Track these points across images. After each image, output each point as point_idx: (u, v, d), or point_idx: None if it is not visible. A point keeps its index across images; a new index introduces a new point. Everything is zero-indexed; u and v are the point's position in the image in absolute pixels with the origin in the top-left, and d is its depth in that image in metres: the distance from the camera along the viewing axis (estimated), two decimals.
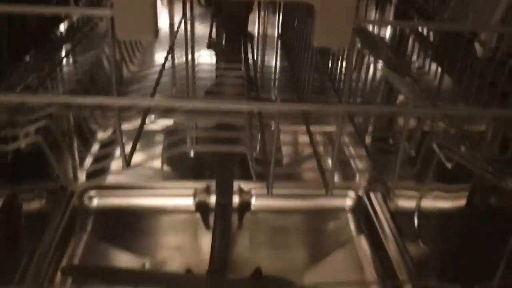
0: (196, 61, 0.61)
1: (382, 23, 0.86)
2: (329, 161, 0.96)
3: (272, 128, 0.90)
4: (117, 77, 0.65)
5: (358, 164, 0.95)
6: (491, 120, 0.53)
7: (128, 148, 0.43)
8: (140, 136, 0.42)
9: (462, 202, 0.64)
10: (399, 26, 0.79)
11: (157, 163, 0.95)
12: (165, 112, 0.51)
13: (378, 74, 0.73)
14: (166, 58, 0.56)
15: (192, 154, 0.91)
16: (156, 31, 0.28)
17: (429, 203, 0.75)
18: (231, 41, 0.70)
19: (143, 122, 0.44)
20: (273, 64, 0.75)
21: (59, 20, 0.71)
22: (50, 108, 0.40)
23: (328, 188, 0.41)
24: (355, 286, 0.69)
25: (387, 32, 0.81)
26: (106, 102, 0.32)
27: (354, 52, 0.57)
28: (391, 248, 0.83)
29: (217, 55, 0.65)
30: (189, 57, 0.61)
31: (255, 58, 0.69)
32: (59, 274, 0.73)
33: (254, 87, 0.59)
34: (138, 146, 1.03)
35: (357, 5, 0.29)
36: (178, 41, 0.62)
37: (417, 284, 0.72)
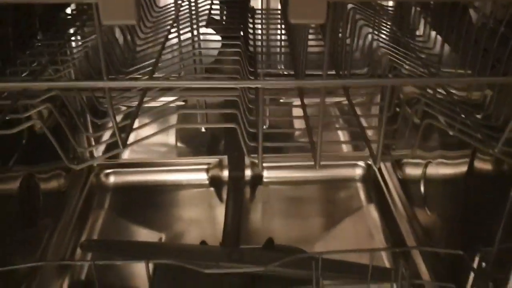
0: (197, 38, 0.62)
1: None
2: (339, 133, 0.98)
3: (282, 100, 0.92)
4: (127, 57, 0.67)
5: (368, 134, 0.96)
6: (485, 87, 0.54)
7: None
8: (137, 116, 0.44)
9: (464, 169, 0.64)
10: None
11: (171, 140, 0.97)
12: (164, 91, 0.53)
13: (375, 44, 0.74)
14: (166, 37, 0.58)
15: (203, 129, 0.93)
16: (138, 15, 0.29)
17: (434, 170, 0.75)
18: (231, 16, 0.70)
19: (140, 103, 0.46)
20: (278, 38, 0.76)
21: (66, 4, 0.73)
22: (51, 91, 0.42)
23: (317, 161, 0.42)
24: (363, 252, 0.70)
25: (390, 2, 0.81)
26: (97, 85, 0.34)
27: (344, 25, 0.57)
28: (400, 216, 0.84)
29: (216, 31, 0.66)
30: (194, 33, 0.62)
31: (257, 32, 0.70)
32: (79, 249, 0.77)
33: (252, 62, 0.60)
34: (151, 124, 1.05)
35: None
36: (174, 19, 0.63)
37: (425, 251, 0.73)
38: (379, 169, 0.94)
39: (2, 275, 0.58)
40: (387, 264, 0.77)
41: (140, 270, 0.73)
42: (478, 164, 0.61)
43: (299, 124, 0.99)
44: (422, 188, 0.78)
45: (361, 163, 0.97)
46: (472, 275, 0.60)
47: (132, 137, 0.95)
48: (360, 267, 0.69)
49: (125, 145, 0.39)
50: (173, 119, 0.99)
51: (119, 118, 0.80)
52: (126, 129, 0.44)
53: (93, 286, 0.62)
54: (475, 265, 0.59)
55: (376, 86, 0.78)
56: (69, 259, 0.75)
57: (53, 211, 0.78)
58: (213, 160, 0.95)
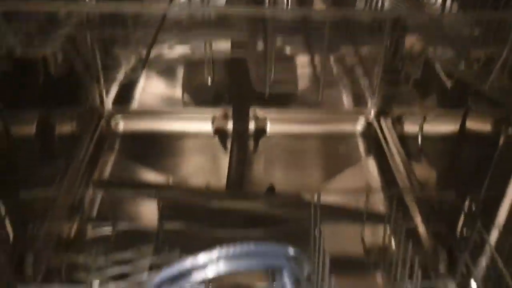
0: None
1: None
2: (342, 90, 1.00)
3: None
4: None
5: (370, 90, 0.99)
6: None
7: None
8: (155, 42, 0.47)
9: (457, 126, 0.68)
10: None
11: (178, 91, 1.00)
12: (181, 35, 0.55)
13: None
14: None
15: (209, 82, 0.96)
16: None
17: (431, 127, 0.79)
18: None
19: (158, 29, 0.49)
20: None
21: None
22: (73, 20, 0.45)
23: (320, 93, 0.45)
24: (358, 192, 0.74)
25: None
26: (119, 10, 0.36)
27: None
28: (398, 169, 0.87)
29: None
30: None
31: None
32: (91, 186, 0.80)
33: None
34: (159, 76, 1.07)
35: None
36: None
37: (419, 194, 0.76)
38: (379, 125, 0.97)
39: (17, 209, 0.62)
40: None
41: (147, 208, 0.77)
42: (470, 123, 0.64)
43: (303, 81, 1.02)
44: (419, 142, 0.82)
45: (362, 119, 1.00)
46: (462, 217, 0.64)
47: (140, 88, 0.98)
48: (356, 211, 0.73)
49: (143, 67, 0.42)
50: (180, 71, 1.02)
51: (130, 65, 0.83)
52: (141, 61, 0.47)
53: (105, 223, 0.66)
54: (465, 208, 0.63)
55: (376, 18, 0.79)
56: (81, 198, 0.79)
57: (65, 153, 0.82)
58: (218, 111, 0.98)
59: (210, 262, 0.36)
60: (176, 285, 0.37)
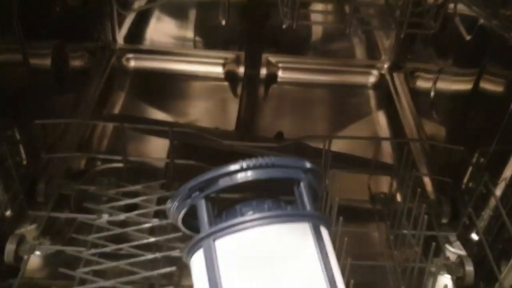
0: None
1: None
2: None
3: None
4: None
5: (385, 43, 0.98)
6: None
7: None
8: None
9: (471, 85, 0.67)
10: None
11: (190, 33, 0.99)
12: None
13: None
14: None
15: (223, 23, 0.94)
16: None
17: (444, 84, 0.78)
18: None
19: None
20: None
21: None
22: None
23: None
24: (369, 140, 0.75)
25: None
26: None
27: None
28: (408, 124, 0.87)
29: None
30: None
31: None
32: (101, 120, 0.81)
33: None
34: (171, 16, 1.04)
35: None
36: None
37: (426, 145, 0.77)
38: (392, 79, 0.96)
39: (31, 137, 0.62)
40: None
41: (157, 145, 0.77)
42: (484, 83, 0.64)
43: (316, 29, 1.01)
44: (431, 98, 0.81)
45: (375, 71, 0.99)
46: (469, 170, 0.65)
47: (152, 28, 0.95)
48: (364, 160, 0.74)
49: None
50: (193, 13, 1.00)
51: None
52: None
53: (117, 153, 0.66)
54: (473, 161, 0.64)
55: None
56: (91, 132, 0.80)
57: (77, 87, 0.82)
58: (230, 55, 0.97)
59: (237, 171, 0.37)
60: (205, 192, 0.39)
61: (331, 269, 0.36)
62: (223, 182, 0.38)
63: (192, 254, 0.39)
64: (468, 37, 0.68)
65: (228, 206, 0.41)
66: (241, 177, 0.38)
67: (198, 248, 0.37)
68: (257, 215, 0.37)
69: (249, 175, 0.37)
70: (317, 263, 0.36)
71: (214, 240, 0.37)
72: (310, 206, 0.40)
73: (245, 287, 0.35)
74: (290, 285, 0.35)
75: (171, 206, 0.41)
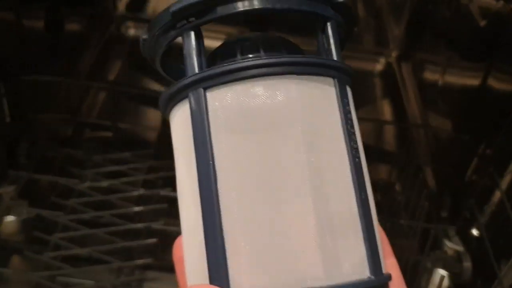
0: None
1: None
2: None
3: None
4: None
5: (394, 31, 0.94)
6: None
7: None
8: None
9: (479, 80, 0.65)
10: None
11: None
12: None
13: None
14: None
15: None
16: None
17: (452, 77, 0.75)
18: None
19: None
20: None
21: None
22: None
23: None
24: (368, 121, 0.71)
25: None
26: None
27: None
28: (413, 114, 0.84)
29: None
30: None
31: None
32: (94, 87, 0.78)
33: None
34: None
35: None
36: None
37: (429, 133, 0.74)
38: (399, 68, 0.93)
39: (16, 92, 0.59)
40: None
41: (149, 116, 0.74)
42: (492, 77, 0.61)
43: None
44: (438, 89, 0.78)
45: (382, 59, 0.96)
46: (473, 163, 0.62)
47: None
48: (365, 146, 0.71)
49: None
50: None
51: None
52: None
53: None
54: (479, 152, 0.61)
55: None
56: (81, 99, 0.77)
57: (70, 53, 0.78)
58: (233, 30, 0.94)
59: None
60: (196, 21, 0.26)
61: (357, 147, 0.27)
62: (222, 10, 0.26)
63: (173, 105, 0.28)
64: (482, 23, 0.64)
65: (225, 47, 0.29)
66: (245, 4, 0.25)
67: (182, 99, 0.27)
68: (266, 60, 0.25)
69: (256, 2, 0.26)
70: (341, 136, 0.26)
71: (205, 90, 0.25)
72: (338, 56, 0.28)
73: (242, 155, 0.25)
74: (303, 159, 0.25)
75: (148, 37, 0.29)
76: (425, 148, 0.73)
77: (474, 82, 0.66)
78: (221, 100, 0.25)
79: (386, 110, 0.89)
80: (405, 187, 0.60)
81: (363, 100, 0.90)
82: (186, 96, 0.26)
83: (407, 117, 0.83)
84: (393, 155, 0.73)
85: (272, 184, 0.24)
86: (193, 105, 0.26)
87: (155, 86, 0.83)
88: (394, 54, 0.95)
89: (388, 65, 0.95)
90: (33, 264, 0.53)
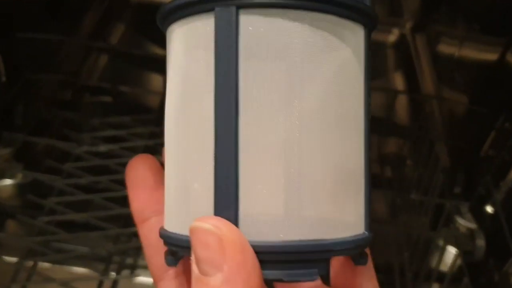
0: None
1: None
2: None
3: None
4: None
5: (409, 0, 0.90)
6: None
7: None
8: None
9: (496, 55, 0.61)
10: None
11: None
12: None
13: None
14: None
15: None
16: None
17: (469, 51, 0.72)
18: None
19: None
20: None
21: None
22: None
23: None
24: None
25: None
26: None
27: None
28: (427, 87, 0.81)
29: None
30: None
31: None
32: (94, 51, 0.75)
33: None
34: None
35: None
36: None
37: (443, 99, 0.71)
38: (414, 40, 0.89)
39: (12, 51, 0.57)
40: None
41: (151, 82, 0.71)
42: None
43: None
44: (454, 63, 0.75)
45: (396, 30, 0.92)
46: (490, 137, 0.59)
47: None
48: (376, 118, 0.68)
49: None
50: None
51: None
52: None
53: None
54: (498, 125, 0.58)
55: None
56: (82, 63, 0.74)
57: (71, 15, 0.75)
58: None
59: None
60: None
61: (370, 104, 0.26)
62: None
63: (185, 17, 0.23)
64: None
65: None
66: None
67: (200, 11, 0.22)
68: None
69: None
70: (362, 90, 0.25)
71: (238, 9, 0.22)
72: (370, 4, 0.27)
73: (270, 86, 0.22)
74: (332, 105, 0.23)
75: None
76: (438, 122, 0.70)
77: (492, 57, 0.63)
78: (255, 26, 0.22)
79: (399, 83, 0.85)
80: (417, 162, 0.58)
81: (375, 72, 0.86)
82: (208, 10, 0.22)
83: (421, 90, 0.80)
84: (405, 129, 0.70)
85: (294, 120, 0.22)
86: (221, 24, 0.22)
87: (158, 51, 0.80)
88: (408, 25, 0.91)
89: (402, 36, 0.91)
90: (27, 229, 0.51)
